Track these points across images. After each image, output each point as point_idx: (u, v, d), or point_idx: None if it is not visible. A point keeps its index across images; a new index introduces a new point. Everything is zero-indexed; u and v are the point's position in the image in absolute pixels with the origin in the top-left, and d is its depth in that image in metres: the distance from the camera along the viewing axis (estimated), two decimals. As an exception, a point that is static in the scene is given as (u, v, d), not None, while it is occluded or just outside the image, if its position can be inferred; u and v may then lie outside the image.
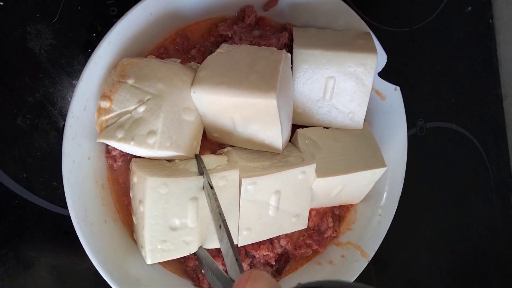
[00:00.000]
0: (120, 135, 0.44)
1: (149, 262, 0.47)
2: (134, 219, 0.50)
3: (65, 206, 0.55)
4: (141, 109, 0.44)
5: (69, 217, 0.55)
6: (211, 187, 0.46)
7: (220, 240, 0.44)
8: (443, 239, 0.86)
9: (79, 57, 0.56)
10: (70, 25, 0.55)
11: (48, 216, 0.55)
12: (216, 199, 0.45)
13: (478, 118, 0.87)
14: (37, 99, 0.54)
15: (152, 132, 0.44)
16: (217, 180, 0.50)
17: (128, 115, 0.44)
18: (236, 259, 0.39)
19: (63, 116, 0.55)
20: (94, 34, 0.56)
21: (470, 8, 0.83)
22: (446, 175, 0.85)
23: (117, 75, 0.45)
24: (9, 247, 0.55)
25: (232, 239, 0.42)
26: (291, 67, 0.53)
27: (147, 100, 0.44)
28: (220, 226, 0.43)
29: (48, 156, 0.55)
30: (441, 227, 0.86)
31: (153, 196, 0.45)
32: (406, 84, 0.63)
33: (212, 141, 0.56)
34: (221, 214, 0.44)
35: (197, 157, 0.50)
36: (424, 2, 0.80)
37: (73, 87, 0.55)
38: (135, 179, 0.47)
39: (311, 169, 0.54)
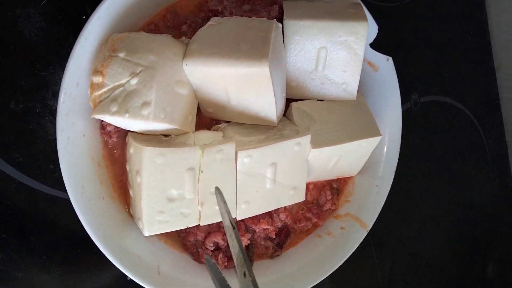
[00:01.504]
0: (114, 108, 0.44)
1: (146, 234, 0.47)
2: (130, 192, 0.50)
3: (62, 189, 0.56)
4: (134, 81, 0.44)
5: (67, 199, 0.56)
6: (234, 227, 0.40)
7: None
8: (443, 212, 0.87)
9: (69, 39, 0.55)
10: (59, 8, 0.55)
11: (46, 199, 0.55)
12: (239, 241, 0.38)
13: (472, 90, 0.88)
14: (29, 82, 0.54)
15: (146, 104, 0.44)
16: (214, 154, 0.50)
17: (121, 88, 0.44)
18: None
19: (56, 99, 0.55)
20: (84, 16, 0.56)
21: (461, -20, 0.83)
22: (442, 149, 0.86)
23: (108, 50, 0.45)
24: (9, 232, 0.55)
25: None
26: (283, 39, 0.53)
27: (139, 72, 0.44)
28: (244, 274, 0.37)
29: (43, 139, 0.55)
30: (440, 200, 0.86)
31: (150, 166, 0.45)
32: (400, 58, 0.63)
33: (207, 117, 0.56)
34: (245, 260, 0.37)
35: (216, 190, 0.44)
36: (414, -25, 0.80)
37: (64, 69, 0.55)
38: (131, 150, 0.47)
39: (306, 140, 0.54)
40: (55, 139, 0.55)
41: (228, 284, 0.41)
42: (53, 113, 0.55)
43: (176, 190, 0.47)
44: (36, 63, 0.54)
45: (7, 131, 0.54)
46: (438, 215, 0.86)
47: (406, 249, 0.83)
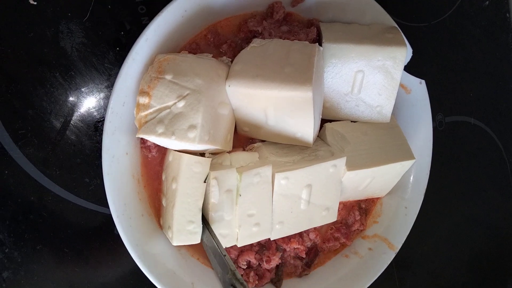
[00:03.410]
0: (160, 130, 0.44)
1: (175, 243, 0.48)
2: (163, 202, 0.50)
3: (97, 202, 0.56)
4: (181, 104, 0.44)
5: (102, 213, 0.56)
6: (243, 286, 0.43)
7: None
8: (463, 232, 0.87)
9: (109, 55, 0.56)
10: (100, 24, 0.55)
11: (81, 212, 0.56)
12: None
13: (496, 111, 0.88)
14: (69, 98, 0.55)
15: (192, 127, 0.44)
16: (251, 177, 0.50)
17: (168, 110, 0.45)
18: None
19: (95, 115, 0.56)
20: (122, 32, 0.57)
21: (487, 2, 0.84)
22: (465, 169, 0.86)
23: (154, 71, 0.46)
24: (43, 243, 0.55)
25: None
26: (322, 61, 0.54)
27: (186, 95, 0.44)
28: None
29: (80, 153, 0.56)
30: (460, 221, 0.86)
31: (186, 173, 0.46)
32: (426, 78, 0.64)
33: (242, 136, 0.57)
34: None
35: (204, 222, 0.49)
36: (442, -3, 0.80)
37: (103, 85, 0.56)
38: (170, 158, 0.48)
39: (341, 162, 0.54)
40: (91, 153, 0.56)
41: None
42: (90, 127, 0.56)
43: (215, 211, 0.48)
44: (76, 78, 0.55)
45: (47, 145, 0.54)
46: (457, 235, 0.86)
47: (426, 268, 0.84)
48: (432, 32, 0.79)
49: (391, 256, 0.62)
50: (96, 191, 0.57)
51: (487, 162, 0.89)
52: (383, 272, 0.79)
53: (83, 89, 0.55)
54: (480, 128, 0.87)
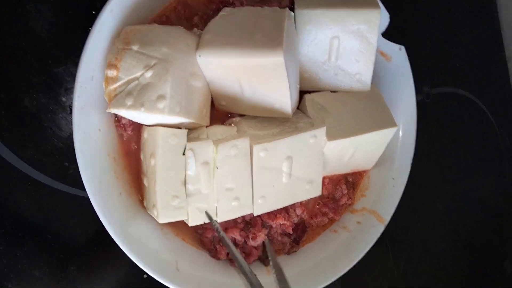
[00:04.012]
0: (129, 102, 0.43)
1: (161, 220, 0.47)
2: (144, 181, 0.49)
3: (77, 186, 0.55)
4: (148, 74, 0.43)
5: (82, 197, 0.55)
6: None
7: None
8: (457, 207, 0.86)
9: (80, 35, 0.55)
10: (69, 3, 0.54)
11: (61, 196, 0.55)
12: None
13: (484, 81, 0.87)
14: (42, 79, 0.54)
15: (161, 97, 0.43)
16: (228, 149, 0.49)
17: (136, 82, 0.44)
18: None
19: (69, 96, 0.55)
20: (94, 12, 0.56)
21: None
22: (455, 141, 0.85)
23: (121, 43, 0.45)
24: (26, 230, 0.54)
25: None
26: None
27: (154, 65, 0.43)
28: None
29: (57, 136, 0.55)
30: (453, 195, 0.85)
31: (164, 147, 0.45)
32: (411, 49, 0.63)
33: (221, 111, 0.56)
34: None
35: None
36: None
37: (76, 65, 0.55)
38: (145, 135, 0.47)
39: (321, 132, 0.53)
40: (69, 136, 0.55)
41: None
42: (66, 109, 0.55)
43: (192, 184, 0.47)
44: (48, 60, 0.54)
45: (21, 129, 0.53)
46: (451, 211, 0.85)
47: (420, 245, 0.82)
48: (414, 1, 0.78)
49: (381, 228, 0.61)
50: (77, 175, 0.55)
51: (477, 134, 0.87)
52: (378, 249, 0.78)
53: (55, 70, 0.54)
54: (469, 99, 0.85)
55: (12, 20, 0.52)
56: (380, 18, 0.53)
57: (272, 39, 0.45)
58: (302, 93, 0.57)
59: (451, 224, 0.85)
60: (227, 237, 0.43)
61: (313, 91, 0.58)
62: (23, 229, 0.54)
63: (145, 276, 0.60)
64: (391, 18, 0.59)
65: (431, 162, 0.82)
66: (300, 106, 0.58)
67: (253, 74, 0.48)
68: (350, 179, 0.64)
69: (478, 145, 0.87)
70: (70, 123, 0.54)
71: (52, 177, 0.55)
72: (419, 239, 0.82)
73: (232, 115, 0.56)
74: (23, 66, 0.53)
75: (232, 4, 0.52)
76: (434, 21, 0.80)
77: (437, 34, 0.81)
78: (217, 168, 0.49)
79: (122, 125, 0.50)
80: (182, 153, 0.47)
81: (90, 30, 0.54)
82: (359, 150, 0.58)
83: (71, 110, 0.55)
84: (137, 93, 0.43)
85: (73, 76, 0.55)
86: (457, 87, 0.83)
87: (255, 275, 0.38)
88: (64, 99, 0.54)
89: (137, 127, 0.51)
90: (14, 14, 0.52)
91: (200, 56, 0.47)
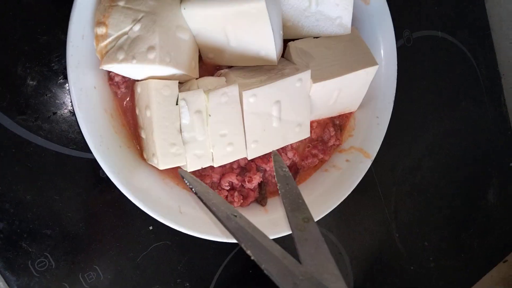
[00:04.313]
0: (121, 56, 0.45)
1: (161, 167, 0.50)
2: (142, 134, 0.52)
3: (78, 148, 0.58)
4: (137, 27, 0.45)
5: (84, 158, 0.58)
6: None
7: None
8: (441, 145, 0.90)
9: (66, 2, 0.56)
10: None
11: (63, 158, 0.58)
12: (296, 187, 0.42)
13: (462, 22, 0.89)
14: (33, 47, 0.55)
15: (151, 48, 0.45)
16: (218, 97, 0.52)
17: (126, 36, 0.46)
18: None
19: (61, 62, 0.56)
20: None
21: None
22: (437, 83, 0.88)
23: (107, 0, 0.46)
24: (32, 193, 0.57)
25: None
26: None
27: (141, 18, 0.45)
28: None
29: (53, 100, 0.57)
30: (437, 134, 0.89)
31: (158, 98, 0.48)
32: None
33: (209, 65, 0.58)
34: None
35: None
36: None
37: (64, 33, 0.56)
38: (138, 89, 0.50)
39: (306, 75, 0.56)
40: (64, 102, 0.57)
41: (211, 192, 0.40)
42: (59, 75, 0.57)
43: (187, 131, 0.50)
44: (37, 28, 0.55)
45: (17, 96, 0.55)
46: (436, 146, 0.89)
47: (408, 182, 0.87)
48: None
49: (368, 164, 0.65)
50: (76, 138, 0.58)
51: (458, 74, 0.91)
52: (369, 191, 0.83)
53: (45, 37, 0.55)
54: (449, 41, 0.88)
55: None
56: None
57: (253, -14, 0.47)
58: (286, 41, 0.60)
59: (436, 160, 0.90)
60: (202, 193, 0.40)
61: (297, 39, 0.60)
62: (30, 192, 0.57)
63: (150, 227, 0.64)
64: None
65: (415, 103, 0.85)
66: (285, 54, 0.60)
67: (238, 22, 0.50)
68: (337, 122, 0.68)
69: (459, 84, 0.91)
70: (64, 89, 0.56)
71: (54, 141, 0.57)
72: (406, 176, 0.87)
73: (220, 67, 0.59)
74: (12, 36, 0.54)
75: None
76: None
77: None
78: (210, 115, 0.52)
79: (115, 83, 0.52)
80: (175, 103, 0.49)
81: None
82: (343, 92, 0.61)
83: (63, 75, 0.57)
84: (127, 47, 0.46)
85: (62, 43, 0.56)
86: (437, 30, 0.86)
87: (236, 216, 0.38)
88: (55, 66, 0.56)
89: (130, 85, 0.53)
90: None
91: (184, 8, 0.49)
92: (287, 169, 0.45)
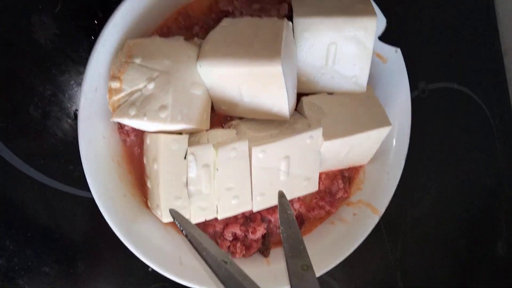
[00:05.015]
0: (133, 112, 0.46)
1: (165, 220, 0.50)
2: (148, 184, 0.52)
3: (83, 188, 0.58)
4: (151, 86, 0.45)
5: (87, 197, 0.58)
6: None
7: None
8: (453, 195, 0.89)
9: (83, 44, 0.57)
10: (72, 14, 0.56)
11: (67, 197, 0.58)
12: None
13: (479, 75, 0.88)
14: (47, 88, 0.56)
15: (163, 107, 0.45)
16: (228, 152, 0.52)
17: (139, 93, 0.46)
18: None
19: (73, 103, 0.57)
20: (96, 21, 0.57)
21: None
22: (451, 134, 0.87)
23: (124, 56, 0.46)
24: (35, 231, 0.57)
25: None
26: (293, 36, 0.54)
27: (156, 77, 0.45)
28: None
29: (62, 141, 0.57)
30: (450, 184, 0.88)
31: (165, 152, 0.48)
32: (406, 46, 0.64)
33: (220, 114, 0.58)
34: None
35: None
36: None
37: (80, 74, 0.57)
38: (148, 141, 0.50)
39: (318, 133, 0.56)
40: (73, 141, 0.57)
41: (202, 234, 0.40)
42: (70, 116, 0.57)
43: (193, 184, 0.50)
44: (52, 69, 0.56)
45: (27, 135, 0.56)
46: (446, 197, 0.88)
47: (416, 230, 0.86)
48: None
49: (376, 219, 0.64)
50: (81, 177, 0.58)
51: (473, 126, 0.89)
52: (374, 235, 0.82)
53: (60, 79, 0.56)
54: (464, 93, 0.87)
55: (17, 32, 0.54)
56: (377, 23, 0.54)
57: (271, 49, 0.47)
58: (299, 95, 0.59)
59: (446, 210, 0.88)
60: (193, 236, 0.39)
61: (311, 94, 0.60)
62: (31, 229, 0.57)
63: (149, 269, 0.63)
64: (387, 19, 0.60)
65: (427, 154, 0.84)
66: (297, 108, 0.60)
67: (252, 81, 0.50)
68: (346, 174, 0.67)
69: (472, 136, 0.90)
70: (74, 128, 0.57)
71: (58, 180, 0.57)
72: (414, 224, 0.85)
73: (231, 118, 0.58)
74: (27, 76, 0.54)
75: (232, 14, 0.54)
76: (429, 17, 0.81)
77: (432, 30, 0.82)
78: (217, 170, 0.52)
79: (125, 131, 0.53)
80: (183, 157, 0.49)
81: (92, 39, 0.56)
82: (354, 148, 0.60)
83: (75, 116, 0.57)
84: (140, 104, 0.46)
85: (76, 83, 0.57)
86: (452, 81, 0.85)
87: (226, 263, 0.36)
88: (68, 105, 0.57)
89: (140, 133, 0.54)
90: (18, 25, 0.53)
91: (200, 66, 0.49)
92: (292, 212, 0.44)
